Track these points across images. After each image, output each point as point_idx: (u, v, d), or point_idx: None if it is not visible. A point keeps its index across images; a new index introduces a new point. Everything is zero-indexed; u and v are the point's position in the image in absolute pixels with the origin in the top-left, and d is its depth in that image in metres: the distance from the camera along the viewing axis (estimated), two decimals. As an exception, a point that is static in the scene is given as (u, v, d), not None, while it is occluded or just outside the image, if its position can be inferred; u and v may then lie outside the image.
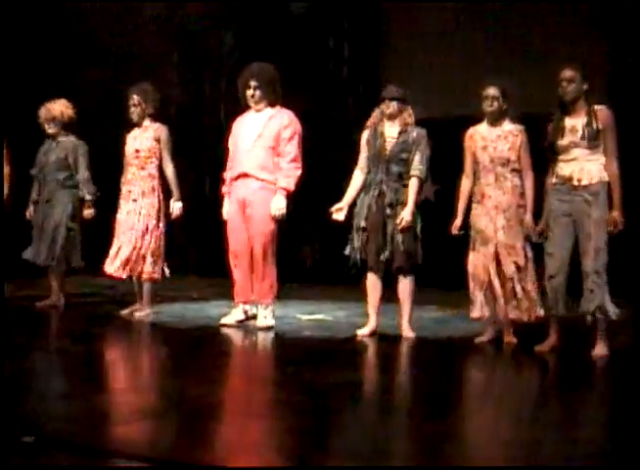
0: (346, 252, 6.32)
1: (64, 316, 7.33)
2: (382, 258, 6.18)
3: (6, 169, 7.58)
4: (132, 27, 10.32)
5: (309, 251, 10.49)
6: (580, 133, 5.56)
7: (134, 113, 7.15)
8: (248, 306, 6.72)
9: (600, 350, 5.56)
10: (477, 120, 6.19)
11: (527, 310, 5.87)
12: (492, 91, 5.96)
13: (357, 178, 6.36)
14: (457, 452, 3.55)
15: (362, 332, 6.26)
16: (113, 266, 7.08)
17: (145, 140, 7.12)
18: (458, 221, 6.08)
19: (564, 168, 5.61)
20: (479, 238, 5.98)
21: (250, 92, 6.57)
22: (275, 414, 4.21)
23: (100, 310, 7.53)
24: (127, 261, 7.04)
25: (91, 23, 10.15)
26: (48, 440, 3.36)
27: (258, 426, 3.93)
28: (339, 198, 6.39)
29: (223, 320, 6.66)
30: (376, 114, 6.35)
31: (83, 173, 7.57)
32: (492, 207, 5.93)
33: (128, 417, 3.97)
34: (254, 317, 6.69)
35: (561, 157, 5.62)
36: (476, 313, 6.02)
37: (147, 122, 7.17)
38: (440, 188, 6.44)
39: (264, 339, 6.40)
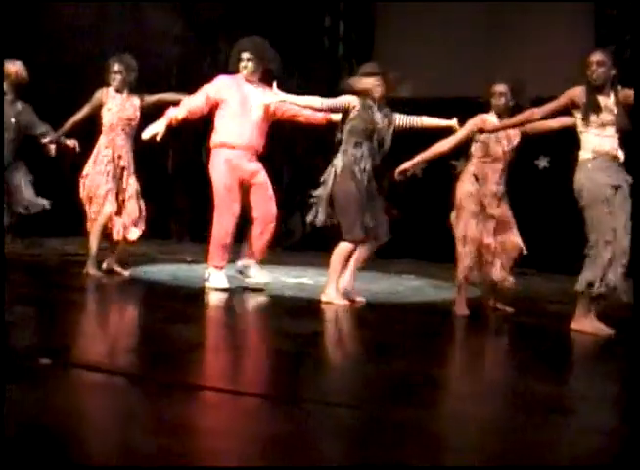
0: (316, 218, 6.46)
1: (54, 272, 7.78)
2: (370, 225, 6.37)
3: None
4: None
5: (299, 221, 10.89)
6: (616, 111, 5.49)
7: (116, 80, 7.29)
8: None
9: None
10: (469, 102, 6.46)
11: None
12: (501, 88, 6.20)
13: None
14: (427, 396, 3.90)
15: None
16: (116, 230, 7.30)
17: (133, 109, 7.35)
18: (409, 165, 6.26)
19: (602, 144, 5.50)
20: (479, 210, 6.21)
21: (242, 63, 6.85)
22: (250, 353, 4.81)
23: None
24: (115, 224, 7.30)
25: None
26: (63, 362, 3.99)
27: (235, 361, 4.50)
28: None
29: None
30: (370, 86, 6.33)
31: (42, 125, 7.46)
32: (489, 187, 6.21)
33: (123, 349, 4.66)
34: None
35: (595, 132, 5.51)
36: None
37: (126, 92, 7.36)
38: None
39: (249, 296, 6.83)
